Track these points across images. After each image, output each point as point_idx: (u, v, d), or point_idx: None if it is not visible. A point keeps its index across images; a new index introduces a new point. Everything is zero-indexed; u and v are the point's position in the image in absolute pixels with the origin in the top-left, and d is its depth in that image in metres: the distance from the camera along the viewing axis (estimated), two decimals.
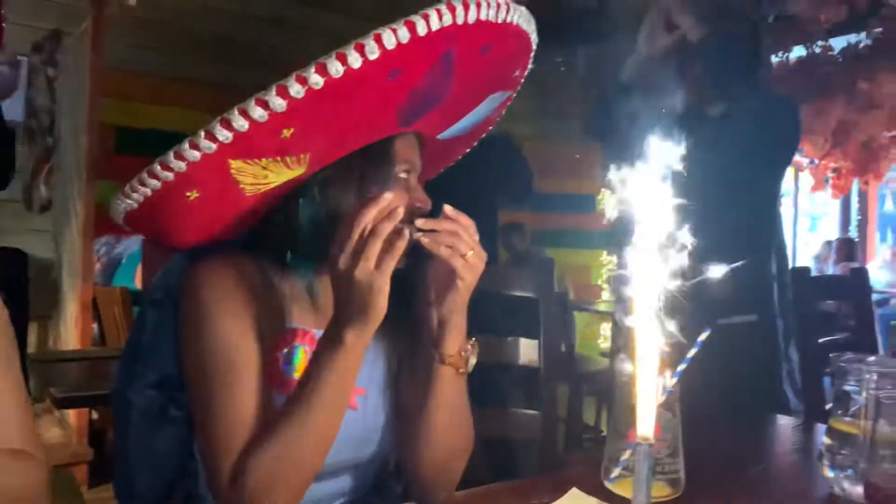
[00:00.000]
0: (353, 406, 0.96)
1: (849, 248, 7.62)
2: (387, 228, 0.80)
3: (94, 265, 3.00)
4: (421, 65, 0.80)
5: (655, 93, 3.43)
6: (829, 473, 1.00)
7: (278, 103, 0.74)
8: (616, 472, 0.82)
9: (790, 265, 4.26)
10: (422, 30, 0.74)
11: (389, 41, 0.73)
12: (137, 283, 2.89)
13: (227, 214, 0.92)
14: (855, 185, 6.97)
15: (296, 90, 0.73)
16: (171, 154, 0.80)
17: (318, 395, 0.84)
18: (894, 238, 10.22)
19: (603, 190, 5.82)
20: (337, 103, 0.77)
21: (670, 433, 0.82)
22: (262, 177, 0.85)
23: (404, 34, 0.74)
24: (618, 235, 4.87)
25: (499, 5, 0.80)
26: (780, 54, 4.30)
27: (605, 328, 5.52)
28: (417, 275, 0.93)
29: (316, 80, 0.73)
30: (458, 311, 0.92)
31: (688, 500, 0.82)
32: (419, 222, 0.85)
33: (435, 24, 0.75)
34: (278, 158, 0.83)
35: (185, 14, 4.13)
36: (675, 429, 0.82)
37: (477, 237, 0.88)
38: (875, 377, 1.01)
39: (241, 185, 0.86)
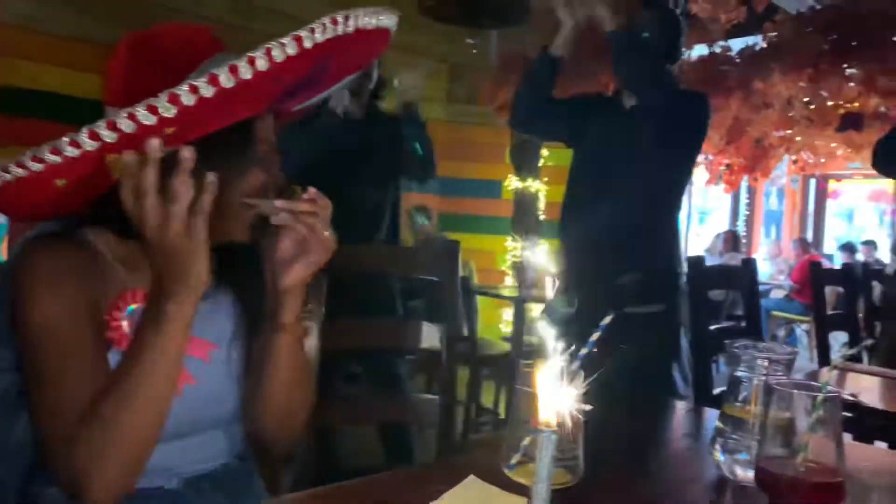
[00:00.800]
0: (205, 359, 0.98)
1: (734, 241, 8.07)
2: (183, 191, 0.80)
3: None
4: (303, 70, 0.87)
5: (578, 80, 3.46)
6: (721, 458, 1.02)
7: (169, 109, 0.76)
8: (516, 459, 0.79)
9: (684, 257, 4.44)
10: (308, 43, 0.80)
11: (278, 54, 0.78)
12: (4, 255, 2.67)
13: (91, 195, 0.89)
14: (744, 182, 7.37)
15: (187, 99, 0.76)
16: (47, 149, 0.78)
17: (142, 365, 0.83)
18: (777, 233, 10.90)
19: (509, 176, 5.88)
20: (222, 106, 0.80)
21: (571, 419, 0.80)
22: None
23: (292, 47, 0.79)
24: (520, 221, 4.91)
25: (375, 13, 0.88)
26: (683, 52, 4.45)
27: (508, 313, 5.60)
28: (264, 247, 0.98)
29: (208, 90, 0.76)
30: (301, 285, 0.98)
31: (586, 487, 0.80)
32: (278, 203, 0.91)
33: (319, 37, 0.81)
34: None
35: None
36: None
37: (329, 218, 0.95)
38: (766, 363, 1.04)
39: (113, 173, 0.84)
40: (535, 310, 3.95)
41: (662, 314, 2.01)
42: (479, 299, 5.29)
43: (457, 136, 6.12)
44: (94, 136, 0.77)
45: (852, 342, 2.87)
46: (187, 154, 0.80)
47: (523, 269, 4.50)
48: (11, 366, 0.93)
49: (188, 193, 0.80)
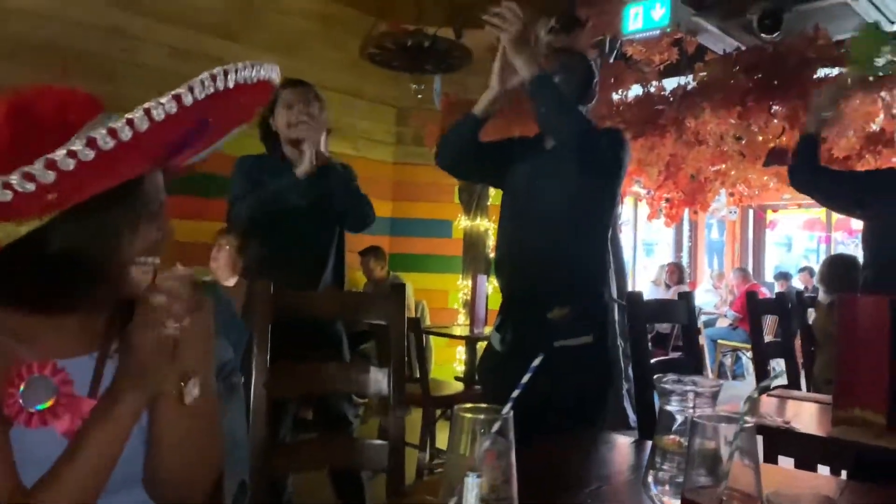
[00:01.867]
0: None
1: (679, 272, 8.28)
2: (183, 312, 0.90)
3: None
4: (184, 127, 0.86)
5: (514, 120, 3.55)
6: (653, 489, 1.06)
7: (47, 175, 0.75)
8: (452, 502, 0.82)
9: (629, 288, 4.53)
10: (188, 100, 0.80)
11: (158, 114, 0.78)
12: None
13: None
14: (686, 215, 7.60)
15: (65, 164, 0.75)
16: None
17: (90, 452, 0.88)
18: (720, 263, 11.22)
19: (459, 215, 5.97)
20: (104, 167, 0.80)
21: (504, 460, 0.83)
22: (14, 233, 0.84)
23: (171, 106, 0.79)
24: (470, 259, 4.94)
25: (254, 66, 0.87)
26: (619, 92, 4.62)
27: (461, 352, 5.62)
28: None
29: (87, 154, 0.76)
30: (162, 358, 0.94)
31: None
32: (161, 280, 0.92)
33: (199, 94, 0.80)
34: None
35: (5, 14, 3.78)
36: (508, 455, 0.84)
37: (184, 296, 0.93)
38: (692, 396, 1.09)
39: None
40: None
41: (593, 346, 2.07)
42: (433, 339, 5.30)
43: (406, 177, 6.19)
44: None
45: (789, 369, 2.98)
46: (184, 272, 0.91)
47: (474, 308, 4.54)
48: None
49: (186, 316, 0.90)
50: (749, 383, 7.33)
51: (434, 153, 2.30)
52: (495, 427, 0.83)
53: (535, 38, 2.57)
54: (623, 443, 1.63)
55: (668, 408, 1.10)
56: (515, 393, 0.86)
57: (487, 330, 4.41)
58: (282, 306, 1.54)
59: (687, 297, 2.45)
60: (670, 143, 4.45)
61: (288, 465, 1.70)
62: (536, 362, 0.87)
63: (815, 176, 2.73)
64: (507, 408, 0.85)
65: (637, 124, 4.33)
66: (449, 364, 5.81)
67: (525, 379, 0.86)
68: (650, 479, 1.07)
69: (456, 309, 6.05)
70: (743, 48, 4.36)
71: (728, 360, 8.04)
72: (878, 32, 3.02)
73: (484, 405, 0.87)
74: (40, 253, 0.86)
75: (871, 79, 3.45)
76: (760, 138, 4.41)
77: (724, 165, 5.07)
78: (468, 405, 0.88)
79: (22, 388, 0.90)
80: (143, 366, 0.91)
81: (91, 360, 0.97)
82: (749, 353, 7.63)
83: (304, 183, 2.31)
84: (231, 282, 3.44)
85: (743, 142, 4.50)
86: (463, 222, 5.95)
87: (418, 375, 3.64)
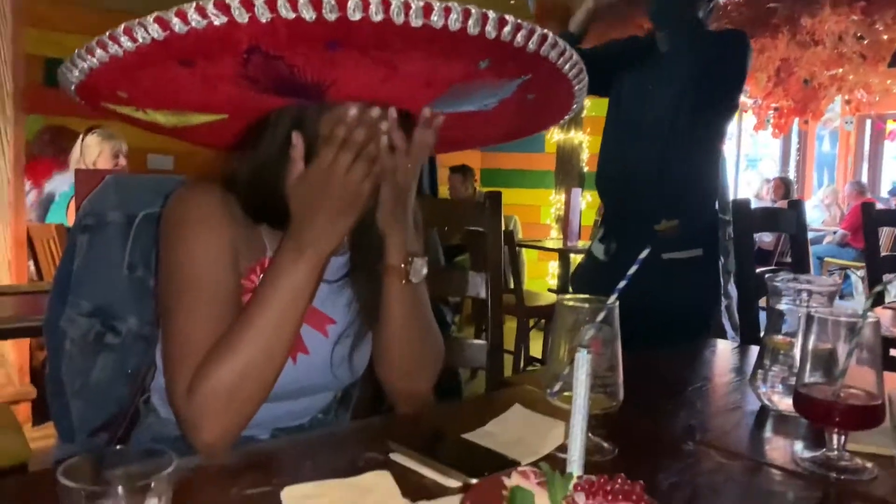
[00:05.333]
0: (323, 333, 0.98)
1: (785, 187, 7.87)
2: (359, 137, 0.81)
3: (25, 202, 2.88)
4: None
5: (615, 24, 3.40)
6: (762, 388, 1.04)
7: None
8: (557, 386, 0.83)
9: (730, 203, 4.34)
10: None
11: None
12: (70, 221, 2.78)
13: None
14: (795, 125, 7.14)
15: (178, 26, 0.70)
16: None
17: (269, 311, 0.85)
18: (830, 178, 10.56)
19: (552, 129, 5.83)
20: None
21: (609, 348, 0.83)
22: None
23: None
24: (563, 173, 4.88)
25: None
26: None
27: (554, 266, 5.61)
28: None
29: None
30: (396, 223, 0.94)
31: (626, 413, 0.84)
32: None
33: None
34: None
35: None
36: (613, 343, 0.83)
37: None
38: (807, 295, 1.05)
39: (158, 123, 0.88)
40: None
41: (702, 259, 2.01)
42: (525, 253, 5.31)
43: None
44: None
45: None
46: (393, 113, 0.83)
47: (567, 222, 4.49)
48: (89, 312, 1.01)
49: (359, 139, 0.81)
50: (858, 303, 6.99)
51: None
52: (601, 316, 0.83)
53: None
54: (725, 348, 1.61)
55: (780, 307, 1.06)
56: (622, 283, 0.85)
57: (581, 244, 4.37)
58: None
59: (797, 206, 2.33)
60: (782, 45, 4.14)
61: None
62: (644, 254, 0.85)
63: None
64: (613, 297, 0.84)
65: (746, 25, 4.03)
66: (541, 278, 5.83)
67: (632, 270, 0.84)
68: (759, 378, 1.05)
69: (548, 224, 6.01)
70: None
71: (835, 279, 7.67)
72: None
73: (587, 296, 0.87)
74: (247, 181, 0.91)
75: None
76: (886, 37, 4.03)
77: (841, 69, 4.68)
78: (570, 296, 0.88)
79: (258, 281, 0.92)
80: (325, 214, 0.84)
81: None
82: (858, 273, 7.26)
83: None
84: None
85: (865, 42, 4.14)
86: (556, 136, 5.82)
87: (512, 286, 3.67)
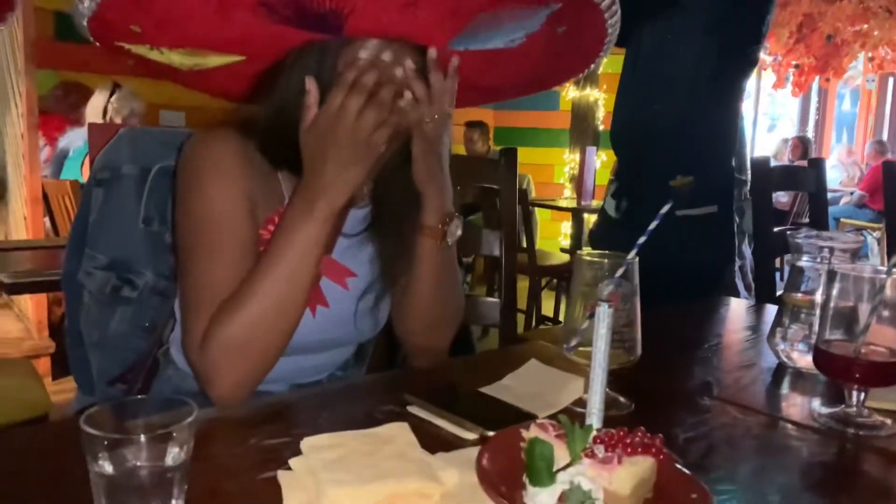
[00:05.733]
0: (343, 286, 0.97)
1: (804, 147, 7.74)
2: (369, 80, 0.79)
3: (39, 157, 2.88)
4: None
5: None
6: (780, 346, 1.03)
7: None
8: (574, 342, 0.83)
9: (747, 163, 4.26)
10: None
11: None
12: (84, 177, 2.78)
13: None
14: (815, 84, 7.00)
15: None
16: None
17: (281, 262, 0.84)
18: (849, 138, 10.38)
19: (567, 86, 5.74)
20: None
21: (628, 303, 0.82)
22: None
23: None
24: (578, 131, 4.80)
25: None
26: None
27: (566, 226, 5.58)
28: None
29: None
30: (431, 179, 0.92)
31: (643, 368, 0.83)
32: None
33: None
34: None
35: None
36: (632, 298, 0.83)
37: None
38: (829, 252, 1.03)
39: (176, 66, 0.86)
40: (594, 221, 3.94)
41: (717, 216, 1.98)
42: (538, 213, 5.28)
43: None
44: None
45: None
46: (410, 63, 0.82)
47: (581, 181, 4.45)
48: (105, 265, 1.01)
49: (370, 84, 0.79)
50: (874, 265, 6.93)
51: None
52: (620, 271, 0.82)
53: None
54: (740, 306, 1.60)
55: (801, 264, 1.05)
56: (642, 239, 0.84)
57: (595, 203, 4.33)
58: None
59: (817, 165, 2.29)
60: None
61: None
62: (665, 209, 0.84)
63: None
64: (632, 253, 0.83)
65: None
66: (554, 238, 5.81)
67: (652, 225, 0.83)
68: (777, 336, 1.04)
69: (561, 183, 5.96)
70: None
71: None
72: None
73: (605, 252, 0.86)
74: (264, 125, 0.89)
75: None
76: None
77: (866, 25, 4.56)
78: (589, 251, 0.87)
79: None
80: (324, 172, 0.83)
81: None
82: (875, 233, 7.18)
83: None
84: None
85: None
86: (571, 93, 5.73)
87: (525, 246, 3.66)
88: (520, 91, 1.11)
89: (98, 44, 0.86)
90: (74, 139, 3.07)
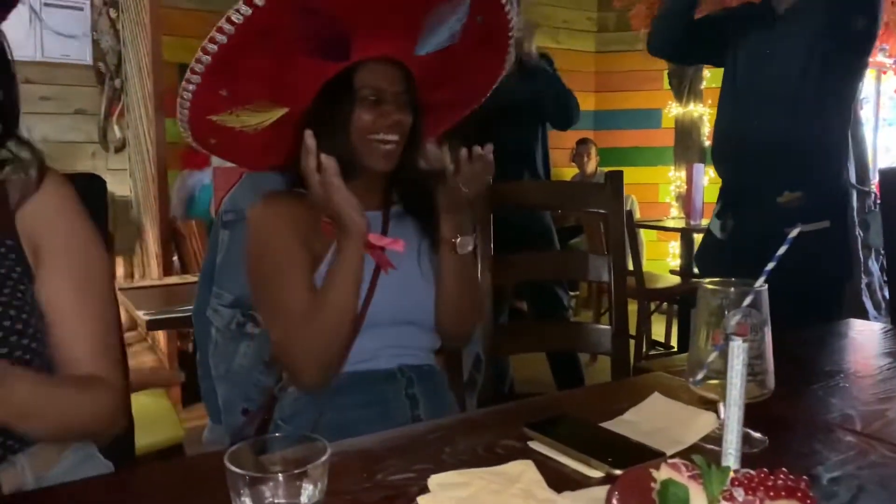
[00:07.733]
0: (399, 250, 1.12)
1: None
2: (309, 171, 1.02)
3: (168, 200, 3.09)
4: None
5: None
6: None
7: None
8: (700, 374, 0.80)
9: (871, 173, 3.98)
10: None
11: None
12: (213, 214, 2.96)
13: (255, 145, 1.12)
14: None
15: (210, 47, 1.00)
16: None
17: (330, 291, 1.04)
18: None
19: (669, 103, 5.60)
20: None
21: (758, 334, 0.78)
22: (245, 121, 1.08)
23: None
24: (682, 149, 4.65)
25: None
26: None
27: (674, 246, 5.40)
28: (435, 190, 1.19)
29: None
30: (450, 210, 1.15)
31: (777, 401, 0.79)
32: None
33: None
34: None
35: None
36: (762, 329, 0.79)
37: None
38: None
39: (241, 128, 1.08)
40: None
41: (831, 231, 1.86)
42: (644, 234, 5.15)
43: (610, 67, 5.89)
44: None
45: None
46: (309, 141, 1.01)
47: (689, 199, 4.29)
48: (231, 303, 1.08)
49: (313, 172, 1.02)
50: None
51: (645, 39, 2.14)
52: (747, 300, 0.79)
53: None
54: (871, 328, 1.49)
55: None
56: (770, 266, 0.80)
57: (705, 222, 4.17)
58: (499, 197, 1.55)
59: None
60: None
61: (512, 346, 1.78)
62: (794, 233, 0.80)
63: None
64: (760, 280, 0.80)
65: None
66: (661, 259, 5.63)
67: (781, 251, 0.79)
68: None
69: (668, 202, 5.79)
70: None
71: None
72: None
73: (731, 279, 0.83)
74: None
75: None
76: None
77: None
78: (711, 279, 0.84)
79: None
80: (342, 220, 1.03)
81: (379, 214, 1.18)
82: None
83: (512, 83, 2.33)
84: None
85: None
86: (674, 110, 5.58)
87: (631, 268, 3.57)
88: (475, 95, 1.32)
89: (192, 139, 1.11)
90: (202, 178, 3.28)
